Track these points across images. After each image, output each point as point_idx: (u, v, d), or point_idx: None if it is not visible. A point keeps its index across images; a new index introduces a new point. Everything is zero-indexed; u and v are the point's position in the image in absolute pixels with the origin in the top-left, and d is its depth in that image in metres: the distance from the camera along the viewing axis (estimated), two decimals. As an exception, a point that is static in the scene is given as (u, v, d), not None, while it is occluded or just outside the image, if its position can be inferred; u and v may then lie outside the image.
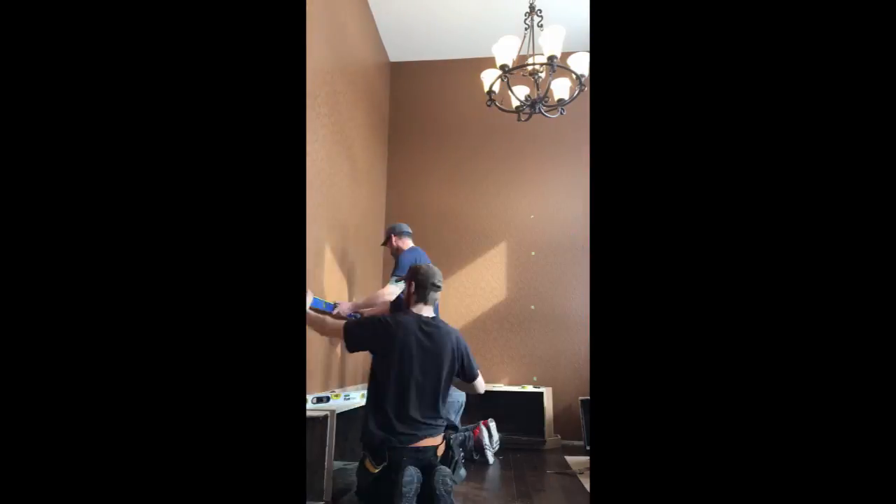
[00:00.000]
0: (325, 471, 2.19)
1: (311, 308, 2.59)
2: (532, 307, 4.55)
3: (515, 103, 3.31)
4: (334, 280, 3.38)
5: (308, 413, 2.21)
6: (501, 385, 4.31)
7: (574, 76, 3.05)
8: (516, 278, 4.63)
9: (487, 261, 4.70)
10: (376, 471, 1.96)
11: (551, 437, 4.03)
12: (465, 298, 4.65)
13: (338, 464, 3.05)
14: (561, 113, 3.28)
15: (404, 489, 1.83)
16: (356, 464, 2.97)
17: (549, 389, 4.13)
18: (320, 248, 3.08)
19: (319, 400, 2.61)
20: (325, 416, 2.21)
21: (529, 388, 4.14)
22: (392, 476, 1.91)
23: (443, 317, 2.57)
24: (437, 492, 1.90)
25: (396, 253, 3.21)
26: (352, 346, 2.13)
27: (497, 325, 4.58)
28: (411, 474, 1.87)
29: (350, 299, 3.70)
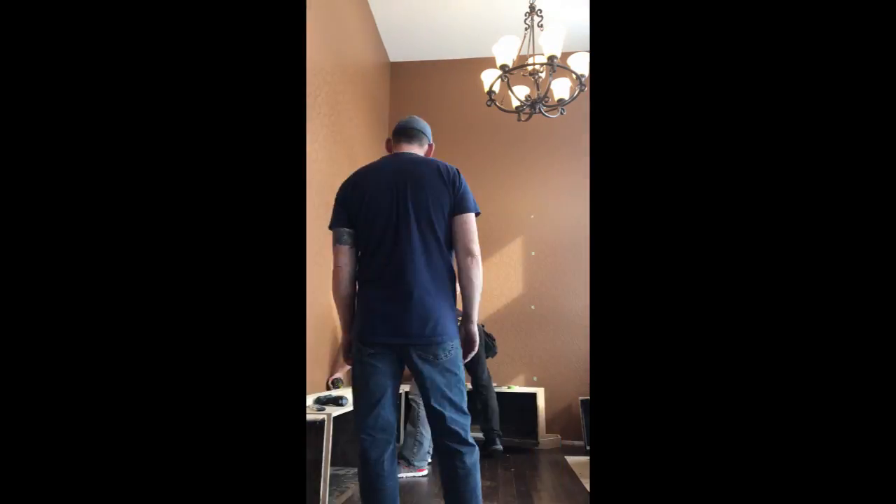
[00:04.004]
0: (322, 476, 2.15)
1: None
2: (532, 307, 4.55)
3: (515, 103, 3.31)
4: (334, 280, 3.37)
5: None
6: (501, 387, 4.30)
7: (574, 76, 3.05)
8: (516, 278, 4.63)
9: (487, 261, 4.70)
10: None
11: (544, 438, 4.02)
12: (464, 298, 4.64)
13: (331, 469, 3.05)
14: (561, 113, 3.28)
15: None
16: (349, 469, 2.97)
17: (542, 390, 4.11)
18: (320, 248, 3.08)
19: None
20: (322, 421, 2.18)
21: (515, 389, 4.11)
22: None
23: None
24: None
25: None
26: None
27: (497, 326, 4.58)
28: None
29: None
